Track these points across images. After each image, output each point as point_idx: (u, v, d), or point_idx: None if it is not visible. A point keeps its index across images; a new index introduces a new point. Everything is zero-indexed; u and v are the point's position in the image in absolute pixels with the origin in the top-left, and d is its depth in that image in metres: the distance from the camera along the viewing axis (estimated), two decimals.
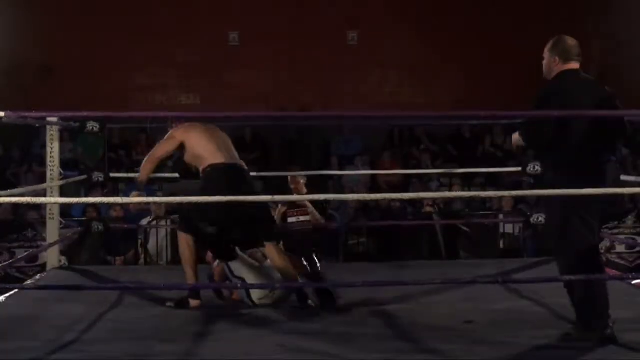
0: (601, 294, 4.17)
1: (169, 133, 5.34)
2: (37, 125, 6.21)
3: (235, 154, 5.32)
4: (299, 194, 7.04)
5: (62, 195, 6.76)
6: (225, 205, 4.77)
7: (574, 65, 4.30)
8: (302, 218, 7.17)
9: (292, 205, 6.95)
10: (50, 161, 6.51)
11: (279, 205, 7.06)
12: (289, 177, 7.29)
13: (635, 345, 4.11)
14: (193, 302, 5.15)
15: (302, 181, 7.17)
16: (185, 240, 5.23)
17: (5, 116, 3.83)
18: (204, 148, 5.19)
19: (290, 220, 7.09)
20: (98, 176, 6.64)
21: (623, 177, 8.07)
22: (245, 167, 5.33)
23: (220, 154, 5.19)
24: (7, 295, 5.27)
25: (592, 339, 4.11)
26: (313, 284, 5.12)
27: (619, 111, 4.28)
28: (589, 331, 4.16)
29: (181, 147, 5.27)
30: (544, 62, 4.38)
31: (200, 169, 5.21)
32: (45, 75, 12.61)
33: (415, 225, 8.50)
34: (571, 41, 4.33)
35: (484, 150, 12.45)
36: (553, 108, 4.15)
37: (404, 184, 10.87)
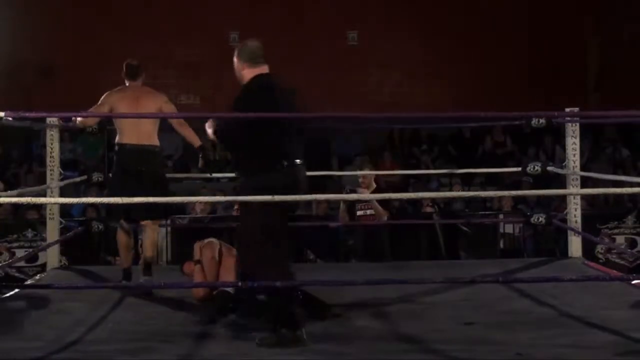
0: (291, 301, 4.28)
1: (102, 98, 5.66)
2: (36, 128, 6.30)
3: (153, 131, 5.57)
4: (367, 189, 7.26)
5: (62, 195, 6.76)
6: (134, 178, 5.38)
7: (264, 67, 4.51)
8: (368, 212, 7.36)
9: (358, 199, 7.15)
10: (50, 161, 6.52)
11: (341, 202, 7.34)
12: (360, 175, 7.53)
13: (635, 345, 4.11)
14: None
15: (369, 176, 7.39)
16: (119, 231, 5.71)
17: (5, 116, 3.83)
18: (122, 122, 5.53)
19: (358, 213, 7.35)
20: (98, 176, 6.65)
21: (622, 177, 8.08)
22: (156, 148, 5.60)
23: (132, 133, 5.48)
24: (7, 295, 5.27)
25: (285, 341, 4.17)
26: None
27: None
28: (280, 334, 4.22)
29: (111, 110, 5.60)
30: (235, 68, 4.54)
31: (115, 141, 5.59)
32: (45, 75, 12.61)
33: (415, 225, 8.47)
34: (253, 44, 4.54)
35: (484, 150, 12.45)
36: (259, 109, 4.38)
37: (404, 184, 10.86)
